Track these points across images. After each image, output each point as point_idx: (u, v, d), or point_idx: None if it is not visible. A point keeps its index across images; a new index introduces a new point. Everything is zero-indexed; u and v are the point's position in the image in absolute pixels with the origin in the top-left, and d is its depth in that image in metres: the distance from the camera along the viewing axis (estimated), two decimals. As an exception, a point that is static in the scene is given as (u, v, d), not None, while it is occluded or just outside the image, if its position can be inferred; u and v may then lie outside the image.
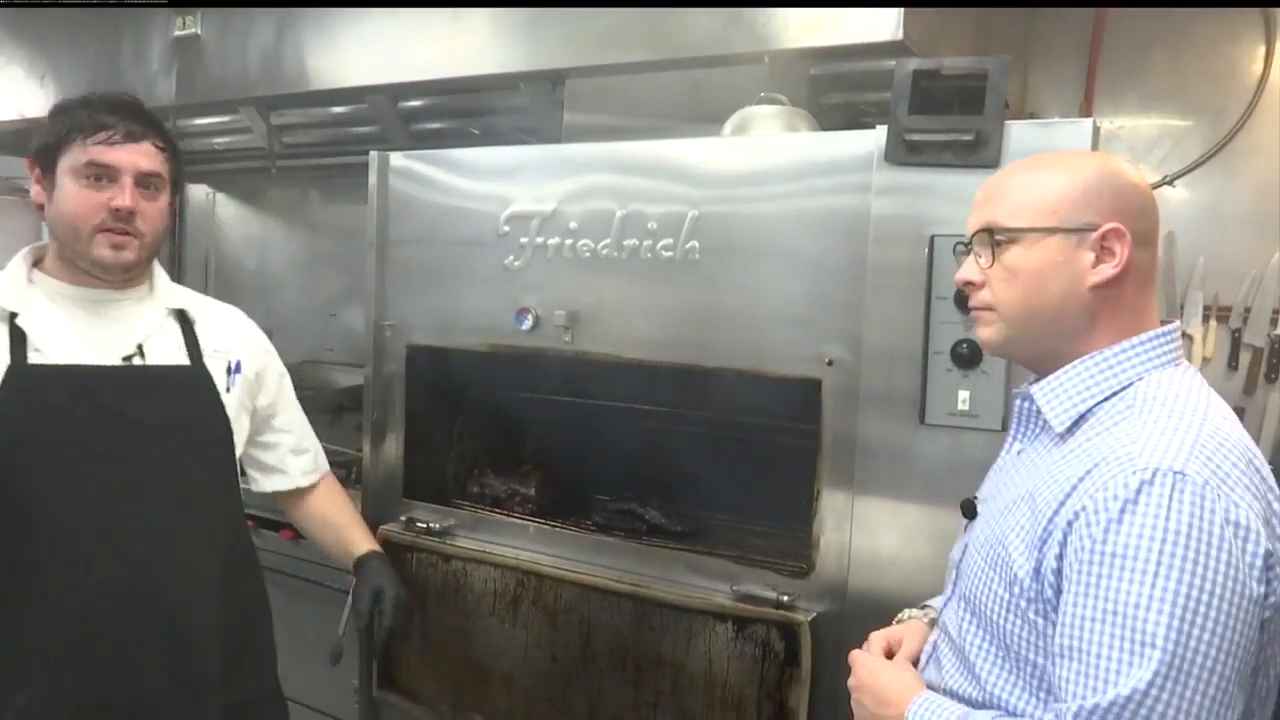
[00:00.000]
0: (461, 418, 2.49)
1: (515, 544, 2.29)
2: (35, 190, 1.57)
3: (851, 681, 1.31)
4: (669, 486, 2.31)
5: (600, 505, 2.34)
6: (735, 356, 2.02)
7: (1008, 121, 1.72)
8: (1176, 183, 2.84)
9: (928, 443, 1.78)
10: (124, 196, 1.53)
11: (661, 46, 2.22)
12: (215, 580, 1.70)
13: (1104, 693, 0.95)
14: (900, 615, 1.55)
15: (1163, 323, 1.16)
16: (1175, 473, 0.96)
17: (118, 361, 1.57)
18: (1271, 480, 1.02)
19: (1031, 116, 2.76)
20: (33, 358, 1.49)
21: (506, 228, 2.26)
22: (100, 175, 1.54)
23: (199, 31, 2.92)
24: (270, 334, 2.05)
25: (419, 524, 2.35)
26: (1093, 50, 2.91)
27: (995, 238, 1.16)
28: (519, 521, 2.32)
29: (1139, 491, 0.96)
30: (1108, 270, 1.11)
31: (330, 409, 3.26)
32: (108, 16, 3.23)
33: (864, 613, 1.81)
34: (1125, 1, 2.84)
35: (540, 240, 2.22)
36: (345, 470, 2.72)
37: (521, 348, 2.27)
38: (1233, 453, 1.00)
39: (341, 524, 2.07)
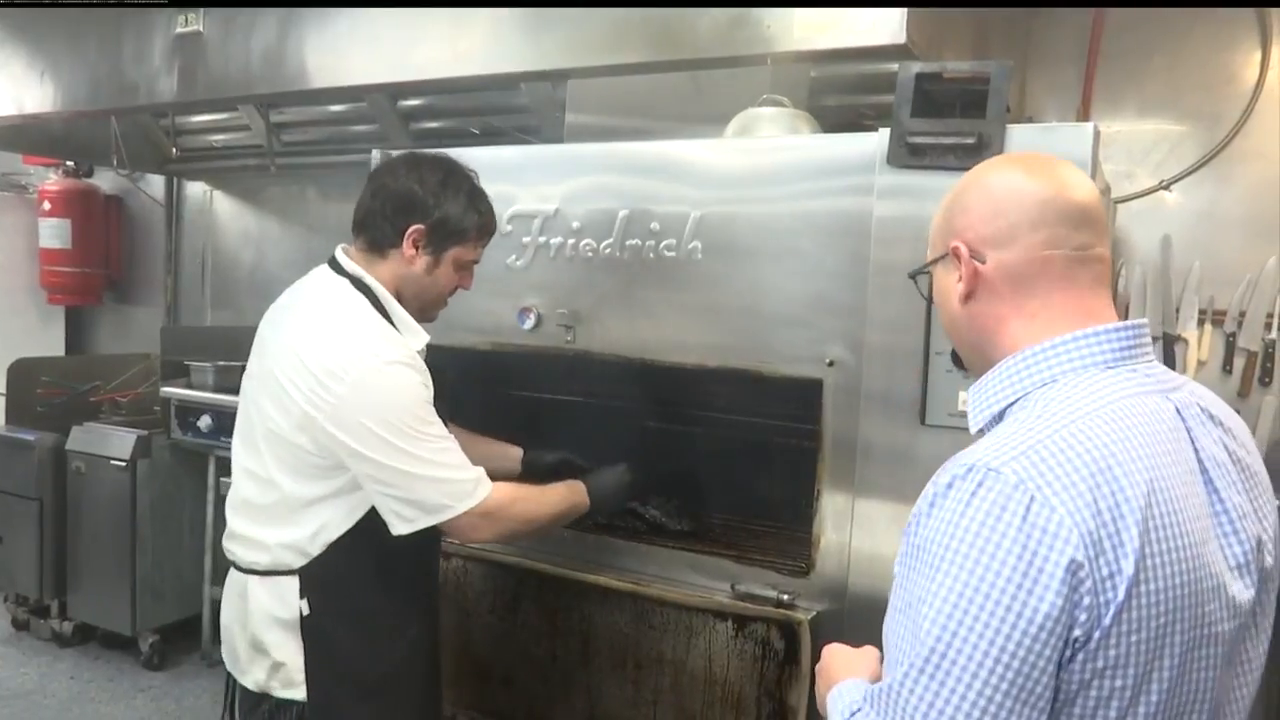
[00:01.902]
0: (462, 417, 2.48)
1: (516, 543, 2.29)
2: (410, 251, 1.80)
3: (817, 665, 1.33)
4: (670, 486, 2.32)
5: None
6: (737, 357, 2.03)
7: (1010, 125, 1.74)
8: (1173, 187, 2.86)
9: (929, 443, 1.80)
10: (470, 283, 1.92)
11: (664, 47, 2.22)
12: None
13: (885, 678, 0.97)
14: None
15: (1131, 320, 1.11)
16: (990, 469, 0.92)
17: None
18: (1138, 503, 0.91)
19: (1029, 121, 2.77)
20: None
21: (509, 227, 2.26)
22: (468, 266, 1.89)
23: (201, 29, 2.92)
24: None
25: (419, 522, 2.36)
26: (1091, 55, 2.93)
27: (917, 279, 1.27)
28: (519, 520, 2.32)
29: (949, 486, 0.95)
30: (960, 287, 1.11)
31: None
32: (109, 13, 3.22)
33: (864, 612, 1.82)
34: (1122, 1, 2.87)
35: (543, 240, 2.23)
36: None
37: (523, 347, 2.27)
38: (1078, 459, 0.92)
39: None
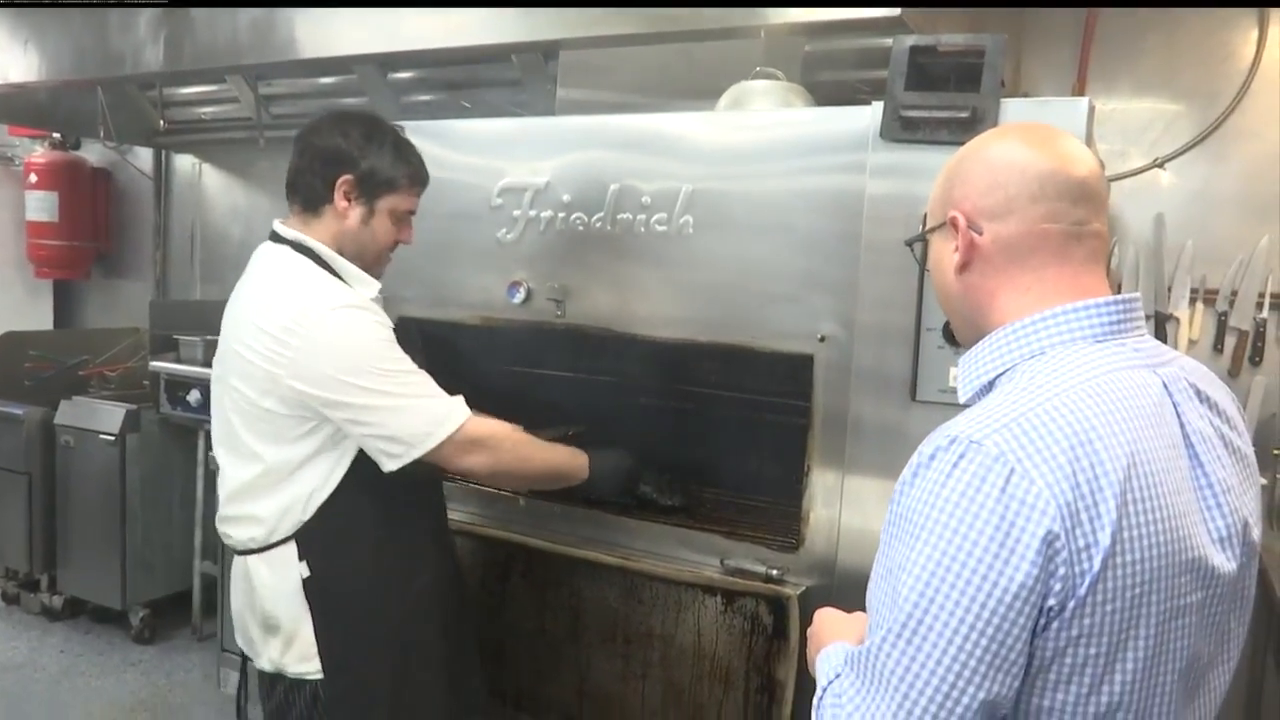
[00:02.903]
0: (452, 391, 2.48)
1: (505, 517, 2.29)
2: (342, 203, 1.81)
3: (808, 629, 1.34)
4: (660, 461, 2.32)
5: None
6: (728, 331, 2.03)
7: (1004, 99, 1.72)
8: (1167, 166, 2.85)
9: (919, 420, 1.79)
10: (409, 235, 1.92)
11: (656, 19, 2.20)
12: None
13: (865, 642, 0.99)
14: None
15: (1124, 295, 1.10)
16: (972, 441, 0.93)
17: None
18: (1117, 476, 0.92)
19: (1025, 98, 2.76)
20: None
21: (499, 200, 2.25)
22: (404, 218, 1.89)
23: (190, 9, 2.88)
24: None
25: (409, 497, 2.36)
26: (1086, 33, 2.92)
27: (914, 247, 1.28)
28: (508, 494, 2.32)
29: (932, 457, 0.96)
30: (956, 257, 1.11)
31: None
32: (94, -19, 3.18)
33: (853, 588, 1.81)
34: (1118, 1, 2.85)
35: (533, 213, 2.21)
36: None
37: (513, 321, 2.26)
38: (1059, 432, 0.92)
39: None
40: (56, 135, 5.14)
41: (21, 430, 4.11)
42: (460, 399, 1.80)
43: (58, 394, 4.15)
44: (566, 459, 1.99)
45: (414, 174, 1.88)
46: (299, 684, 1.82)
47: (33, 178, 5.09)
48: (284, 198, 1.88)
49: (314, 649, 1.79)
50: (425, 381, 1.79)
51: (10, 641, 4.06)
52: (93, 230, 5.29)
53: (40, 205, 5.10)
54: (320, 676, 1.80)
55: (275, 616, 1.81)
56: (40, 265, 5.27)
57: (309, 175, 1.82)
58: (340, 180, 1.79)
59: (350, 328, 1.72)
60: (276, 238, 1.84)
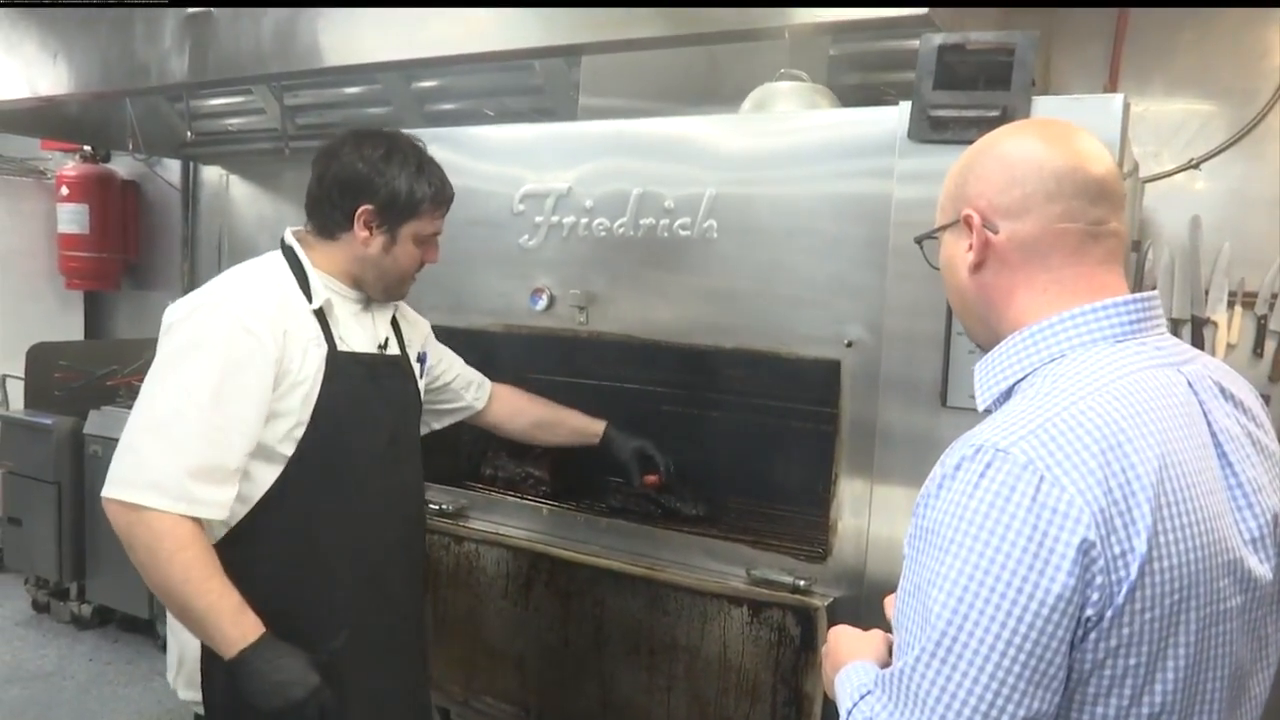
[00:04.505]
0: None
1: (528, 526, 2.27)
2: (363, 233, 1.73)
3: (823, 648, 1.30)
4: (685, 469, 2.29)
5: (614, 488, 2.31)
6: (753, 338, 1.99)
7: (1035, 97, 1.68)
8: (1202, 166, 2.79)
9: (950, 426, 1.75)
10: (435, 255, 1.85)
11: (679, 21, 2.17)
12: (424, 535, 2.03)
13: (896, 663, 0.95)
14: None
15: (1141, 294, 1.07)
16: (998, 450, 0.90)
17: (374, 350, 1.82)
18: (1150, 479, 0.89)
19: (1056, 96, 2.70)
20: (340, 345, 1.72)
21: (521, 207, 2.23)
22: (429, 240, 1.81)
23: (211, 9, 2.89)
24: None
25: (431, 505, 2.34)
26: (1118, 31, 2.86)
27: (923, 244, 1.22)
28: (532, 504, 2.30)
29: (957, 467, 0.92)
30: (970, 256, 1.08)
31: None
32: (120, -7, 3.20)
33: (882, 599, 1.78)
34: (1148, 1, 2.79)
35: (555, 219, 2.19)
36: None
37: (536, 328, 2.24)
38: (1088, 436, 0.89)
39: (546, 415, 2.28)
40: (87, 148, 5.20)
41: (51, 440, 4.15)
42: (206, 496, 1.53)
43: (87, 404, 4.19)
44: (217, 619, 1.52)
45: (437, 194, 1.77)
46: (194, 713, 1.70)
47: (64, 191, 5.15)
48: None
49: (198, 677, 1.65)
50: (204, 429, 1.52)
51: (39, 650, 4.09)
52: (122, 242, 5.34)
53: (71, 218, 5.16)
54: (201, 711, 1.65)
55: (169, 629, 1.71)
56: (71, 277, 5.33)
57: (327, 205, 1.73)
58: (360, 211, 1.70)
59: (194, 324, 1.58)
60: (280, 242, 1.80)
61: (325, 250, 1.76)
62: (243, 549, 1.62)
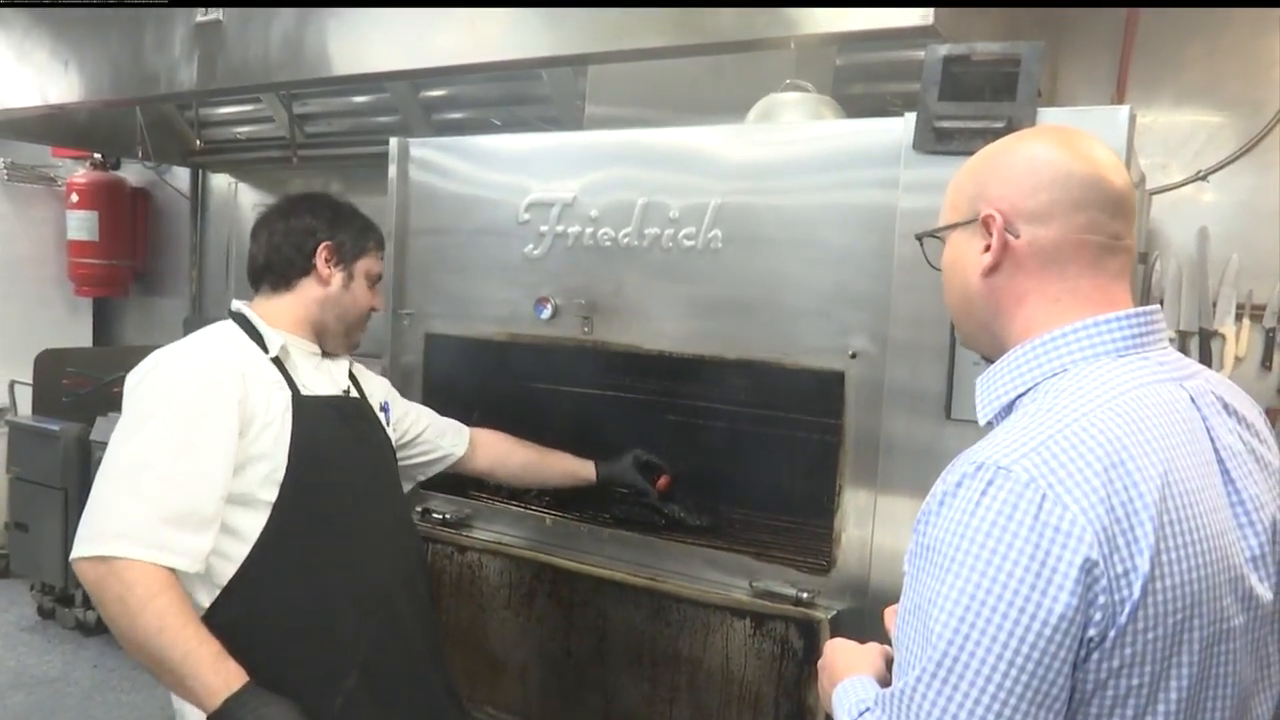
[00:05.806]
0: (479, 408, 2.47)
1: (531, 536, 2.26)
2: (325, 270, 1.83)
3: (819, 661, 1.29)
4: (688, 480, 2.28)
5: (618, 498, 2.31)
6: (757, 348, 1.99)
7: (1041, 109, 1.68)
8: (1210, 178, 2.78)
9: (954, 438, 1.74)
10: (380, 301, 1.95)
11: (686, 31, 2.17)
12: (425, 568, 2.02)
13: (897, 682, 0.94)
14: None
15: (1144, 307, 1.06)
16: (1000, 468, 0.89)
17: (339, 394, 1.86)
18: (1152, 497, 0.88)
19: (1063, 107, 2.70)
20: (303, 390, 1.74)
21: (526, 216, 2.23)
22: (376, 281, 1.92)
23: (221, 17, 2.91)
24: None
25: (435, 514, 2.34)
26: (1126, 42, 2.85)
27: (924, 241, 1.20)
28: (535, 513, 2.29)
29: (959, 485, 0.91)
30: (986, 258, 1.06)
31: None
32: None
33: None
34: (1156, 1, 2.78)
35: (560, 229, 2.19)
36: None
37: (540, 337, 2.24)
38: (1090, 454, 0.89)
39: (533, 458, 2.27)
40: (97, 156, 5.23)
41: (58, 446, 4.16)
42: (180, 545, 1.49)
43: (94, 410, 4.20)
44: (196, 667, 1.44)
45: (377, 234, 1.93)
46: None
47: (74, 198, 5.19)
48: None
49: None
50: (174, 475, 1.51)
51: (44, 656, 4.10)
52: (131, 249, 5.37)
53: (81, 225, 5.19)
54: None
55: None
56: (81, 284, 5.36)
57: (284, 250, 1.82)
58: (320, 247, 1.82)
59: (152, 382, 1.60)
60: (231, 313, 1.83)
61: (280, 305, 1.82)
62: (241, 603, 1.59)
